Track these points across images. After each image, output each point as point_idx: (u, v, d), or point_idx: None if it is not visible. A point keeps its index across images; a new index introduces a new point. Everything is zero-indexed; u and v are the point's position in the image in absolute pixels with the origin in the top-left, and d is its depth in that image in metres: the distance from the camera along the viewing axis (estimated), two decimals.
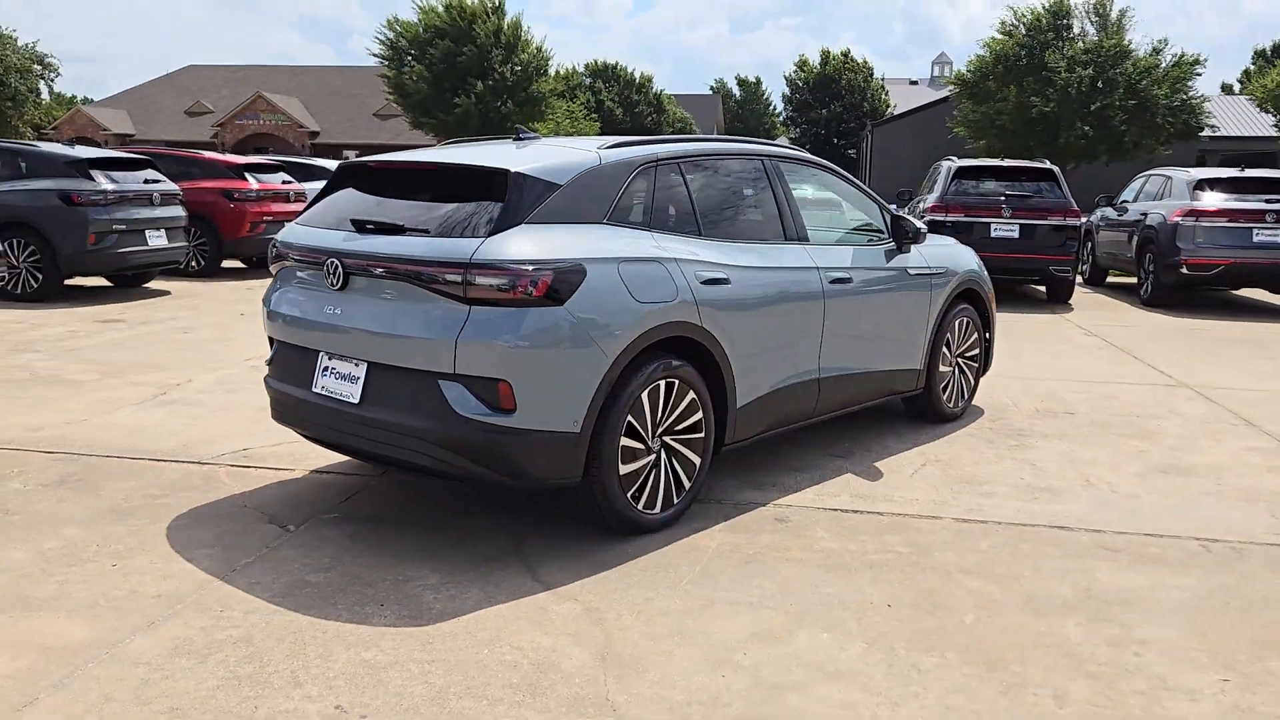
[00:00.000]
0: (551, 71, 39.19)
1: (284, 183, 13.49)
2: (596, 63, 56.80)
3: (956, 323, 6.05)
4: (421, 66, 35.49)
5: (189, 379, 6.87)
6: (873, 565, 3.90)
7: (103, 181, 10.42)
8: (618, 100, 54.51)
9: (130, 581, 3.61)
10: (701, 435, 4.32)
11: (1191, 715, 2.86)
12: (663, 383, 4.09)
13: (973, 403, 6.51)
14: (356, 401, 3.94)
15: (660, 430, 4.15)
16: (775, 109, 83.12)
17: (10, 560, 3.77)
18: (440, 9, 36.04)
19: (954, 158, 13.38)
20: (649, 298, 3.98)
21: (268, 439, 5.31)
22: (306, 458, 5.03)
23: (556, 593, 3.58)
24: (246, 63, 65.58)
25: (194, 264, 12.87)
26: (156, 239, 10.83)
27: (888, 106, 62.11)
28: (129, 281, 11.66)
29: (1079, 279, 15.09)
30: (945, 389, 6.05)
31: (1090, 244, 15.29)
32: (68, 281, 10.70)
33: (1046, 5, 33.35)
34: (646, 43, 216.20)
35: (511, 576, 3.72)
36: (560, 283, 3.71)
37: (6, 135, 28.07)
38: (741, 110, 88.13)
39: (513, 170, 3.88)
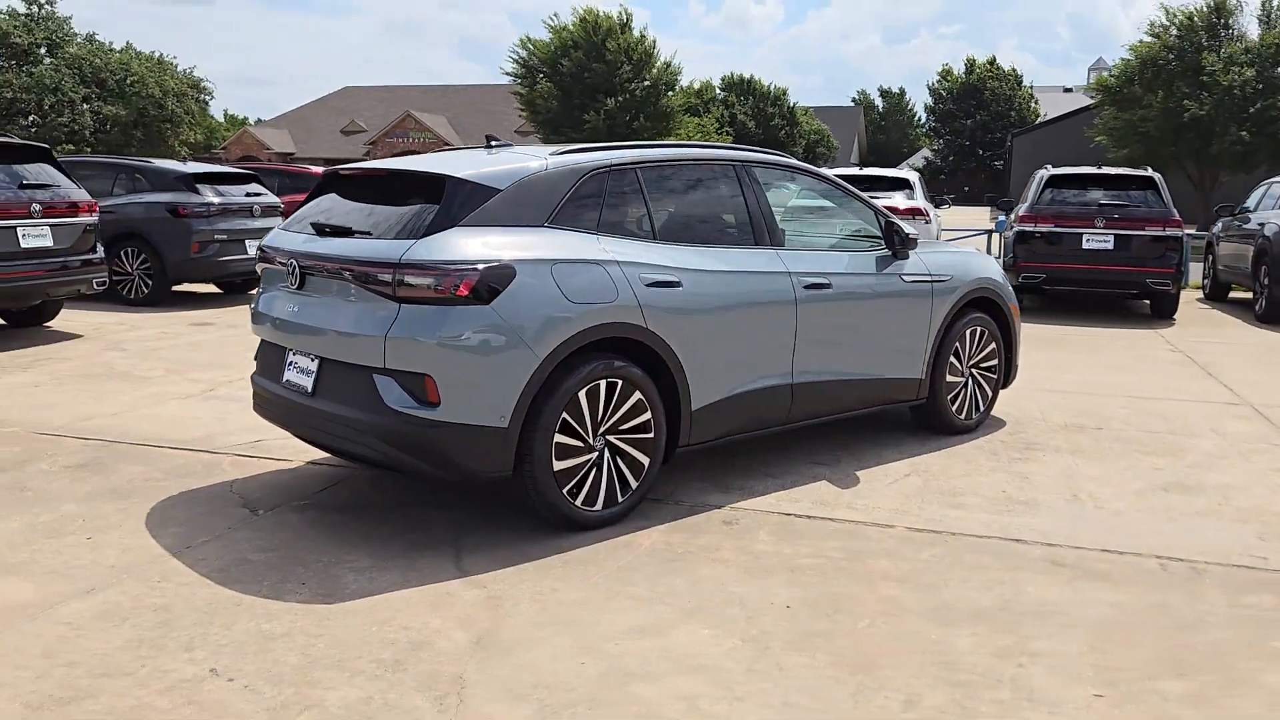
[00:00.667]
0: (684, 85, 39.55)
1: None
2: (732, 76, 56.95)
3: (968, 332, 5.91)
4: (551, 84, 36.42)
5: (241, 377, 7.35)
6: (795, 569, 3.89)
7: (208, 195, 11.22)
8: (751, 114, 54.46)
9: (94, 553, 3.96)
10: (651, 436, 4.40)
11: None
12: (604, 382, 4.19)
13: (1000, 415, 6.33)
14: (310, 393, 4.20)
15: (603, 429, 4.25)
16: (920, 120, 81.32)
17: (2, 530, 4.19)
18: (572, 25, 36.95)
19: (1050, 166, 12.89)
20: (584, 298, 4.09)
21: (282, 431, 5.64)
22: (309, 451, 5.34)
23: (470, 580, 3.74)
24: (399, 83, 68.59)
25: None
26: (256, 248, 11.55)
27: (1036, 115, 59.98)
28: (236, 288, 12.46)
29: (1199, 294, 14.32)
30: (955, 400, 5.91)
31: (1210, 257, 14.46)
32: (178, 288, 11.55)
33: (1207, 4, 31.52)
34: (797, 55, 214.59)
35: (436, 564, 3.89)
36: (486, 283, 3.87)
37: (164, 154, 30.33)
38: (884, 122, 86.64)
39: (451, 176, 4.09)
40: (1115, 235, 11.55)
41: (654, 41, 37.85)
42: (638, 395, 4.32)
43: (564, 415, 4.08)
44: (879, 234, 5.54)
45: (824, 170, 5.79)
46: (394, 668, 3.06)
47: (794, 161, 5.44)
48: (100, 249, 9.23)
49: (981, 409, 6.12)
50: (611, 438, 4.29)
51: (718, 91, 55.24)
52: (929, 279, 5.62)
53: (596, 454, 4.24)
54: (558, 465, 4.09)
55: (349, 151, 62.87)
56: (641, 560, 3.97)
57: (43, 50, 28.17)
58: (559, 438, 4.09)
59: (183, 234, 10.90)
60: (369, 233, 4.11)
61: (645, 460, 4.40)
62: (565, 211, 4.26)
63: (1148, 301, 12.41)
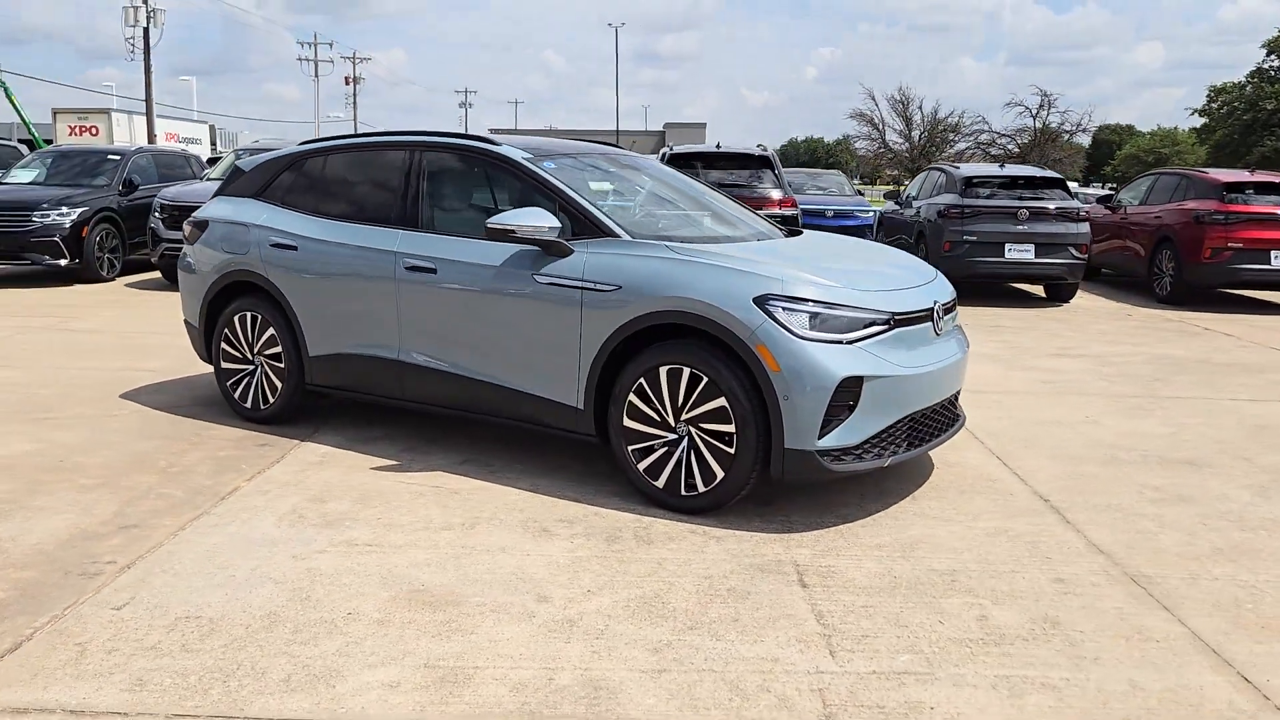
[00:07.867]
0: None
1: None
2: None
3: (664, 370, 4.23)
4: None
5: None
6: (195, 489, 4.87)
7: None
8: None
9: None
10: (283, 366, 5.56)
11: None
12: (248, 314, 5.67)
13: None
14: None
15: (255, 351, 5.68)
16: None
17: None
18: None
19: None
20: (229, 250, 5.70)
21: None
22: None
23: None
24: None
25: None
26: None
27: None
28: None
29: None
30: (651, 455, 4.32)
31: None
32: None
33: None
34: None
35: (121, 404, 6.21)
36: (194, 231, 5.94)
37: None
38: None
39: (235, 164, 6.10)
40: None
41: None
42: (271, 331, 5.57)
43: (225, 330, 5.77)
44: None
45: (519, 157, 4.86)
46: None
47: (479, 145, 5.04)
48: None
49: (702, 489, 4.22)
50: (261, 359, 5.67)
51: None
52: (577, 284, 4.43)
53: (253, 368, 5.72)
54: (223, 365, 5.83)
55: None
56: (154, 447, 5.46)
57: None
58: (224, 346, 5.80)
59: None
60: None
61: (279, 384, 5.59)
62: (269, 188, 5.75)
63: None
